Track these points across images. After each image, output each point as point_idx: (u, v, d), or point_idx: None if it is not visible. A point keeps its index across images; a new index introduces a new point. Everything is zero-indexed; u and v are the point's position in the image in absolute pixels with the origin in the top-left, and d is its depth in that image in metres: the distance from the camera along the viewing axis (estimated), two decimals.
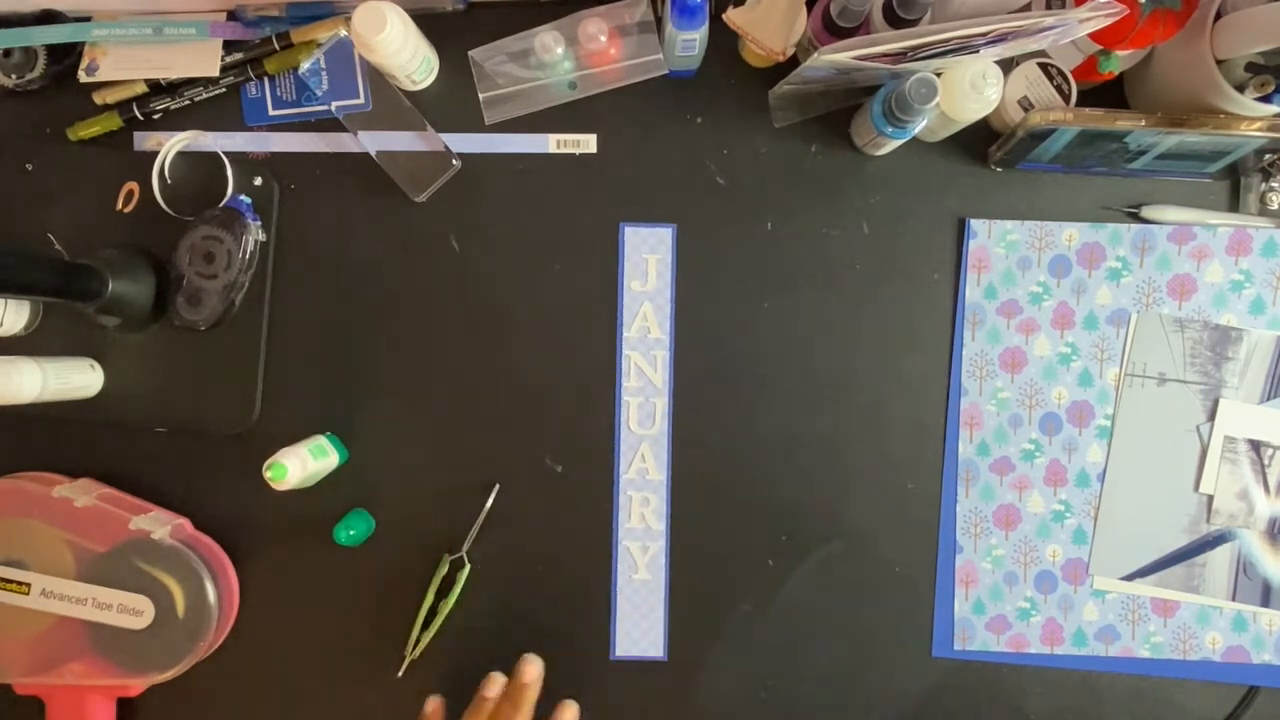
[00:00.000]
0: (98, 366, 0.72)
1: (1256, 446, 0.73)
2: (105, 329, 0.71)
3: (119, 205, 0.73)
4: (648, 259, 0.74)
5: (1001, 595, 0.73)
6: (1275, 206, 0.74)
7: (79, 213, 0.72)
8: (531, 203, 0.74)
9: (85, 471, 0.72)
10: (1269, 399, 0.73)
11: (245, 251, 0.70)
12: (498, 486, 0.73)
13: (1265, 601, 0.73)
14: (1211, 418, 0.73)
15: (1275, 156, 0.72)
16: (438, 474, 0.73)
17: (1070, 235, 0.74)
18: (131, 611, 0.66)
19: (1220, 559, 0.73)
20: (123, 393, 0.72)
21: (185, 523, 0.71)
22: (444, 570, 0.72)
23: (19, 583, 0.66)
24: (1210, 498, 0.73)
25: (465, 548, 0.72)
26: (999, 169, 0.75)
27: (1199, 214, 0.74)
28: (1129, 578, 0.73)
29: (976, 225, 0.74)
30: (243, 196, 0.72)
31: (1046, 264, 0.74)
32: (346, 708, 0.73)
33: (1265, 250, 0.73)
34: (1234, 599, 0.73)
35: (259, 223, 0.72)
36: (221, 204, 0.72)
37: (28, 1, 0.72)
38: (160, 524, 0.68)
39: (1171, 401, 0.73)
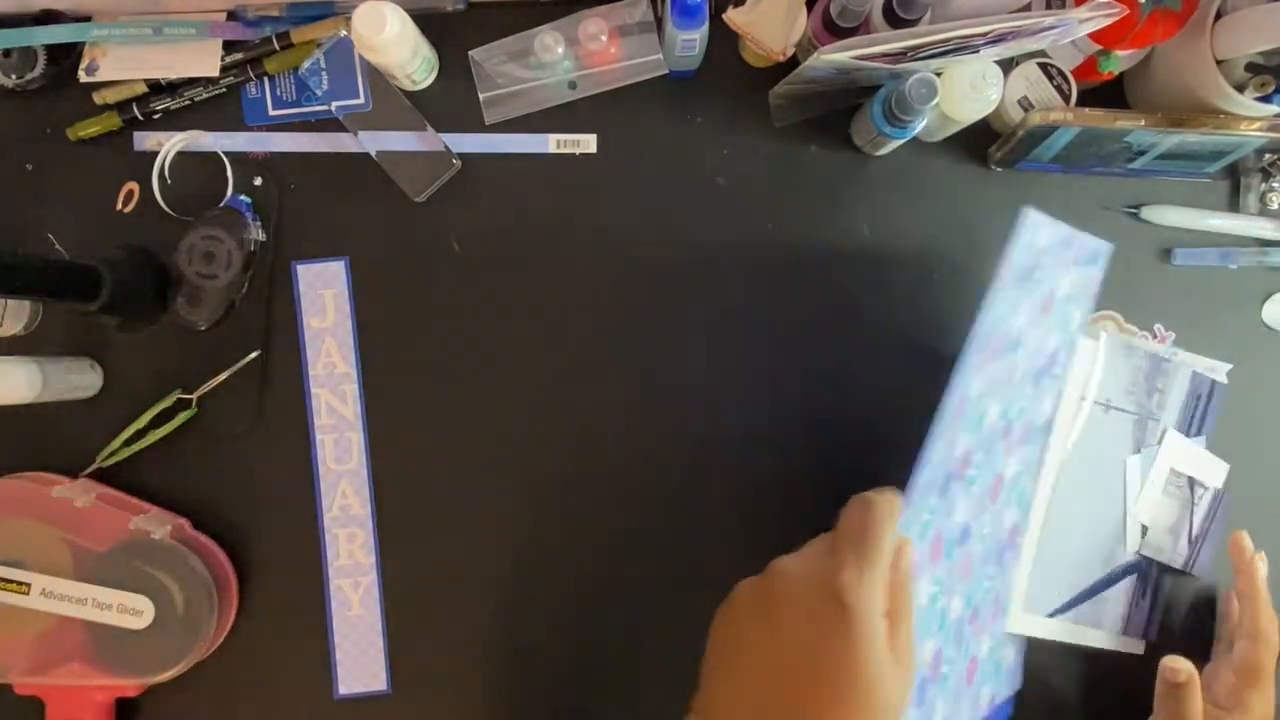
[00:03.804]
0: (98, 366, 0.72)
1: (1189, 481, 0.73)
2: (105, 329, 0.71)
3: (119, 205, 0.73)
4: None
5: None
6: (1275, 206, 0.74)
7: (79, 213, 0.72)
8: (531, 203, 0.74)
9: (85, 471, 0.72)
10: (1192, 435, 0.73)
11: (245, 251, 0.71)
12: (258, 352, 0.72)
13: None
14: (1138, 450, 0.72)
15: (1275, 156, 0.72)
16: (437, 474, 0.73)
17: None
18: (131, 611, 0.66)
19: (1119, 592, 0.72)
20: (123, 393, 0.72)
21: (185, 523, 0.70)
22: (169, 404, 0.71)
23: (19, 583, 0.66)
24: (1140, 529, 0.72)
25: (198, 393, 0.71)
26: (999, 169, 0.75)
27: (1199, 214, 0.74)
28: (1054, 614, 0.71)
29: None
30: (243, 196, 0.72)
31: None
32: (346, 707, 0.73)
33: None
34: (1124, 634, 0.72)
35: (259, 223, 0.72)
36: (221, 204, 0.72)
37: (28, 1, 0.72)
38: (160, 524, 0.68)
39: (1111, 429, 0.72)
